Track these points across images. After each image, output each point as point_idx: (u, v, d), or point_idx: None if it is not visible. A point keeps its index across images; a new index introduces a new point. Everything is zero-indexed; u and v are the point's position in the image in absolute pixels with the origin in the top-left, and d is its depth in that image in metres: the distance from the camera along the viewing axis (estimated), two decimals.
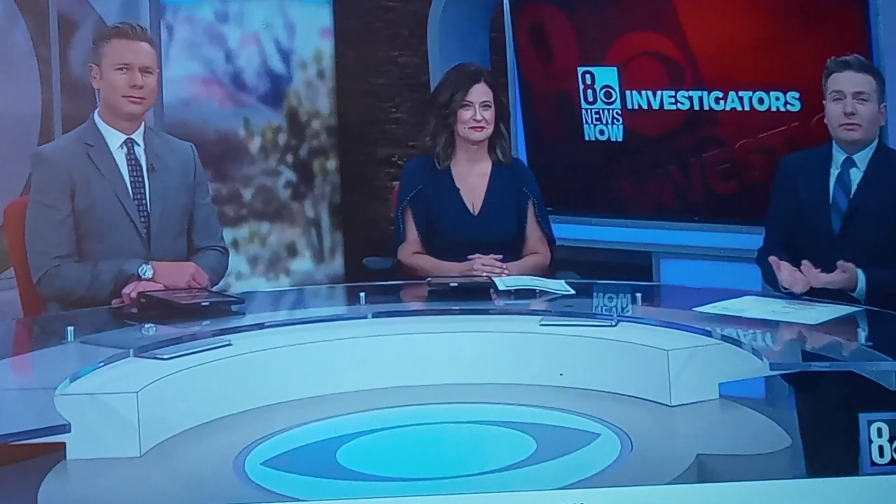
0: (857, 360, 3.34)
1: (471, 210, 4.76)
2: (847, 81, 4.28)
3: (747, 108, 5.66)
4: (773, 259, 4.15)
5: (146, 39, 4.33)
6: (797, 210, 4.38)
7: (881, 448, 2.56)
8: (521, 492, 2.53)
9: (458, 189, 4.77)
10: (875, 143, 4.31)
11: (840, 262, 4.06)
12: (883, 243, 4.18)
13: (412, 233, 4.80)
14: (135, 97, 4.26)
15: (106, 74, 4.26)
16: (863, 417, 2.59)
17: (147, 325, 3.85)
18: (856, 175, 4.29)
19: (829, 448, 3.41)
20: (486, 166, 4.81)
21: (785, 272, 4.11)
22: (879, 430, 2.56)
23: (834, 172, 4.31)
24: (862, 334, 3.36)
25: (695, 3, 5.81)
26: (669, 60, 5.87)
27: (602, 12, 6.07)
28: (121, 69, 4.25)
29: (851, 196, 4.27)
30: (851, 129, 4.25)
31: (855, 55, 4.34)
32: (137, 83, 4.25)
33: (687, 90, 5.83)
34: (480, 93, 4.72)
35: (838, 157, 4.31)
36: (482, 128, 4.72)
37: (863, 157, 4.29)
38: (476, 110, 4.70)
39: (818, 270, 4.05)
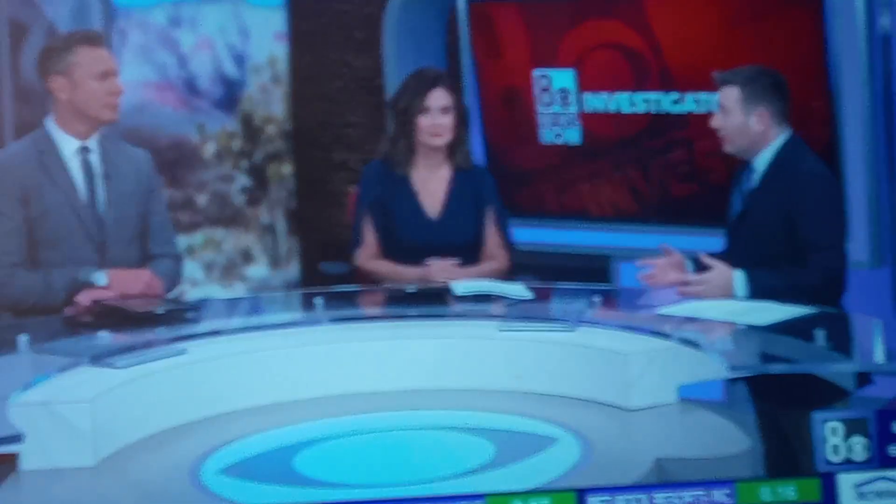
0: (815, 362, 3.35)
1: (430, 215, 4.73)
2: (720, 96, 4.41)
3: (704, 110, 5.66)
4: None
5: (106, 46, 4.35)
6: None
7: (836, 447, 2.56)
8: None
9: (417, 194, 4.73)
10: (774, 148, 4.34)
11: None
12: (769, 245, 4.23)
13: (370, 237, 4.76)
14: (115, 104, 4.26)
15: (82, 84, 4.20)
16: (817, 416, 2.59)
17: (101, 334, 3.81)
18: (754, 179, 4.37)
19: (788, 449, 3.41)
20: (446, 172, 4.76)
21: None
22: (834, 429, 2.56)
23: (739, 177, 4.43)
24: (820, 335, 3.37)
25: None
26: (631, 52, 5.86)
27: (558, 6, 6.05)
28: (101, 78, 4.22)
29: (744, 200, 4.38)
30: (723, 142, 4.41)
31: (718, 70, 4.43)
32: (119, 90, 4.25)
33: (645, 91, 5.82)
34: (439, 98, 4.66)
35: (748, 163, 4.39)
36: (441, 134, 4.68)
37: (760, 162, 4.37)
38: (435, 116, 4.66)
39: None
